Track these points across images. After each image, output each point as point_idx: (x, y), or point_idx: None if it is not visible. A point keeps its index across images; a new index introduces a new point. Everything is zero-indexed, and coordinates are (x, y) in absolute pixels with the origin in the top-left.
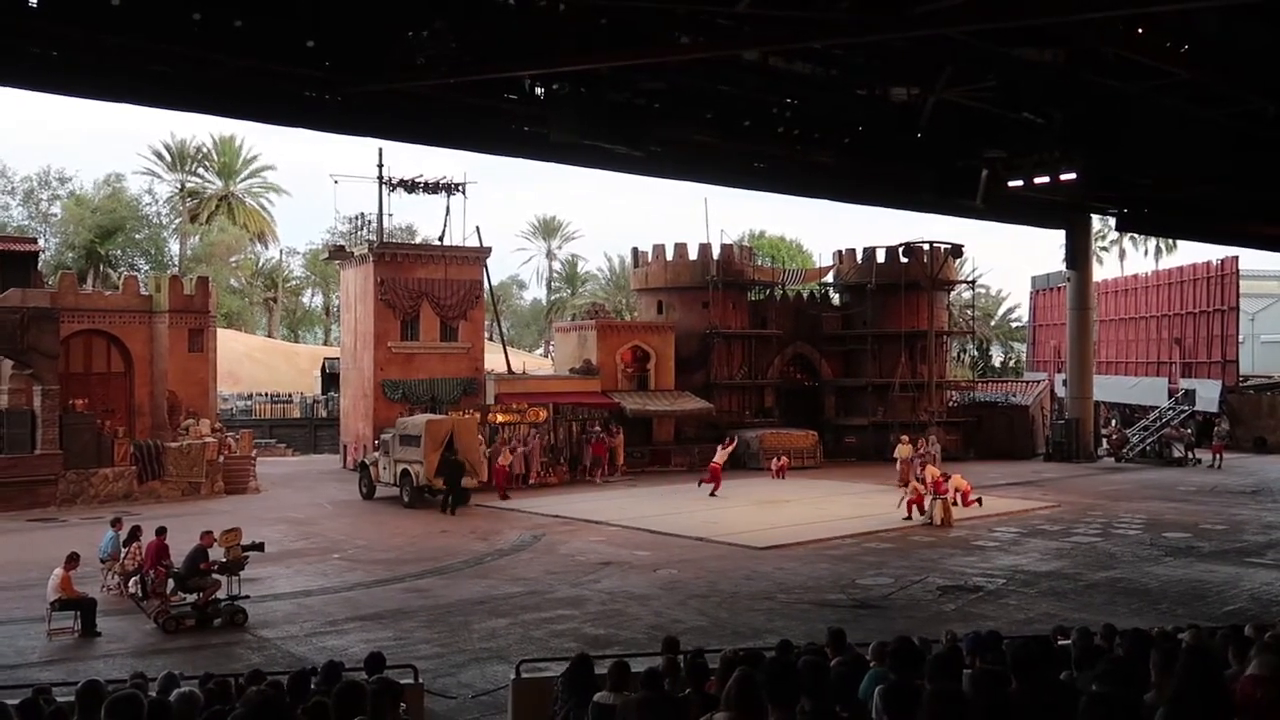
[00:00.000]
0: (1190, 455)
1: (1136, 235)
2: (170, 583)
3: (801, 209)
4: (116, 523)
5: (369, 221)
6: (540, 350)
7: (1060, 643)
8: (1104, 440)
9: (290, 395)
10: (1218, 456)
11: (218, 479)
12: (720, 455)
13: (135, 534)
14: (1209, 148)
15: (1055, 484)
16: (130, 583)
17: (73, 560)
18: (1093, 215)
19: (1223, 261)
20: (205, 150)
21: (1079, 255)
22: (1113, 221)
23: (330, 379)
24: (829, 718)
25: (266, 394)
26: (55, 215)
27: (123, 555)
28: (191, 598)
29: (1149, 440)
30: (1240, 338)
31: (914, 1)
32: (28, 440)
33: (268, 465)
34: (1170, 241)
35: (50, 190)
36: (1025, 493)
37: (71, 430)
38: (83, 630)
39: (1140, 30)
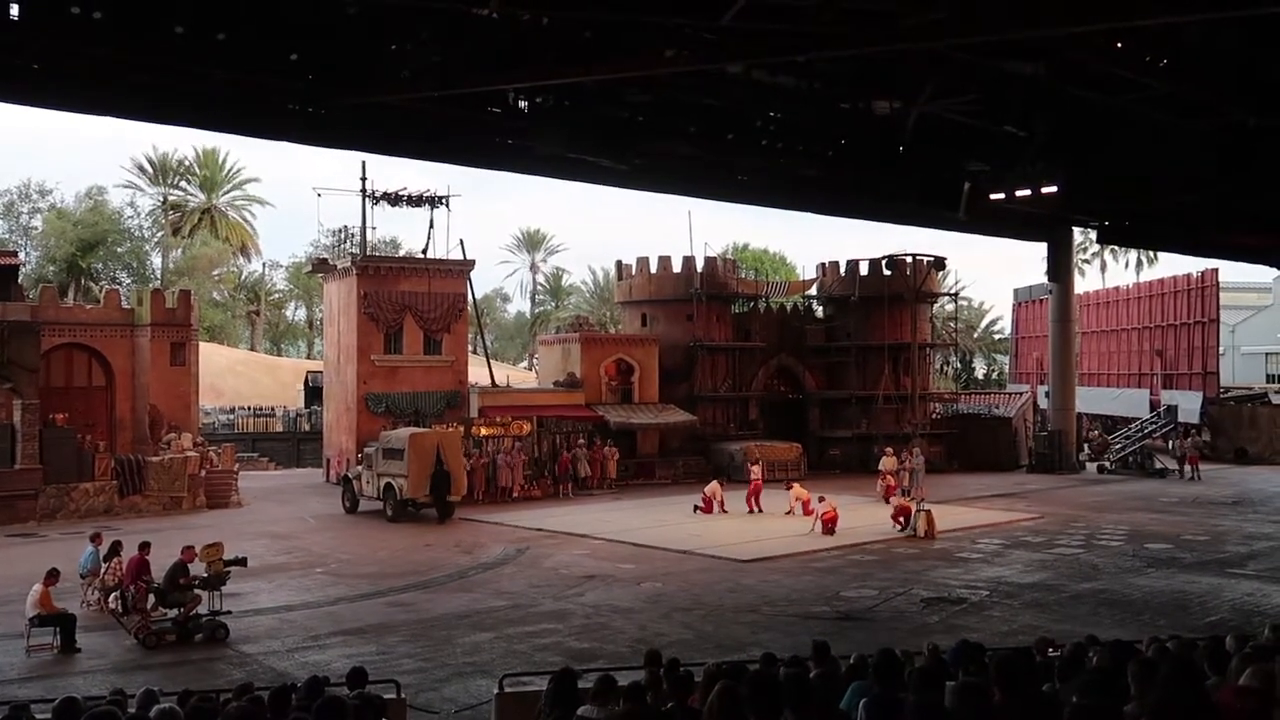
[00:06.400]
0: (1182, 469)
1: (1118, 247)
2: (151, 598)
3: (785, 222)
4: (96, 538)
5: (352, 234)
6: (524, 363)
7: (1050, 653)
8: (1085, 445)
9: (273, 409)
10: (1193, 468)
11: (199, 493)
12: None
13: (116, 549)
14: (1190, 159)
15: (1038, 495)
16: (110, 598)
17: (52, 576)
18: (1074, 228)
19: (1203, 274)
20: (188, 163)
21: (1061, 268)
22: (1094, 234)
23: (313, 392)
24: None
25: (249, 408)
26: (36, 228)
27: (103, 570)
28: (172, 613)
29: (1131, 450)
30: (1221, 349)
31: (901, 14)
32: (7, 455)
33: (250, 479)
34: (1151, 254)
35: (31, 203)
36: (1008, 504)
37: (52, 444)
38: (62, 646)
39: (1120, 44)
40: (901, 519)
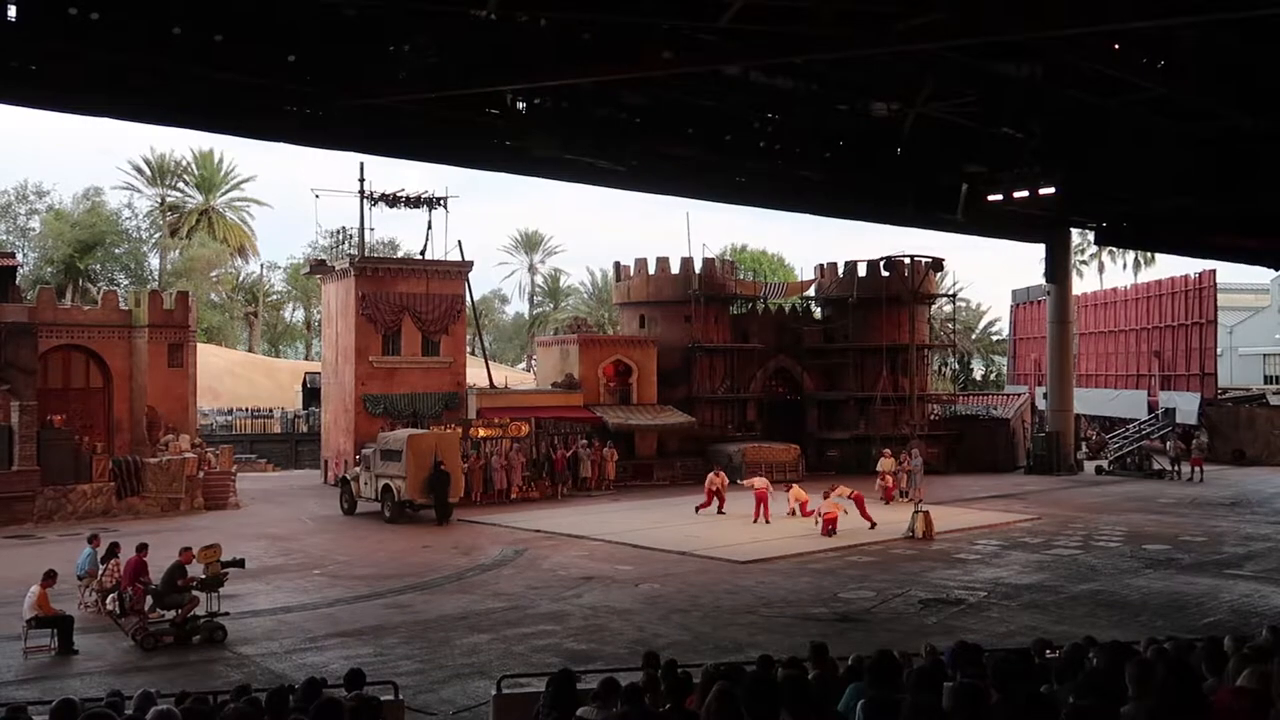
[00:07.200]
0: (1176, 469)
1: (1115, 249)
2: (148, 599)
3: (783, 223)
4: (94, 539)
5: (350, 236)
6: (522, 365)
7: (1048, 654)
8: (1083, 444)
9: (271, 410)
10: (1197, 469)
11: (197, 494)
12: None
13: (113, 550)
14: (1187, 161)
15: (1036, 496)
16: (108, 600)
17: (50, 577)
18: (1072, 229)
19: (1200, 275)
20: (185, 164)
21: (1059, 269)
22: (1092, 235)
23: (311, 394)
24: None
25: (247, 409)
26: (33, 230)
27: (100, 572)
28: (170, 615)
29: (1128, 451)
30: (1218, 350)
31: (898, 16)
32: (5, 456)
33: (248, 481)
34: (1148, 255)
35: (28, 204)
36: (1006, 505)
37: (49, 446)
38: (59, 648)
39: (1116, 45)
40: (830, 527)
